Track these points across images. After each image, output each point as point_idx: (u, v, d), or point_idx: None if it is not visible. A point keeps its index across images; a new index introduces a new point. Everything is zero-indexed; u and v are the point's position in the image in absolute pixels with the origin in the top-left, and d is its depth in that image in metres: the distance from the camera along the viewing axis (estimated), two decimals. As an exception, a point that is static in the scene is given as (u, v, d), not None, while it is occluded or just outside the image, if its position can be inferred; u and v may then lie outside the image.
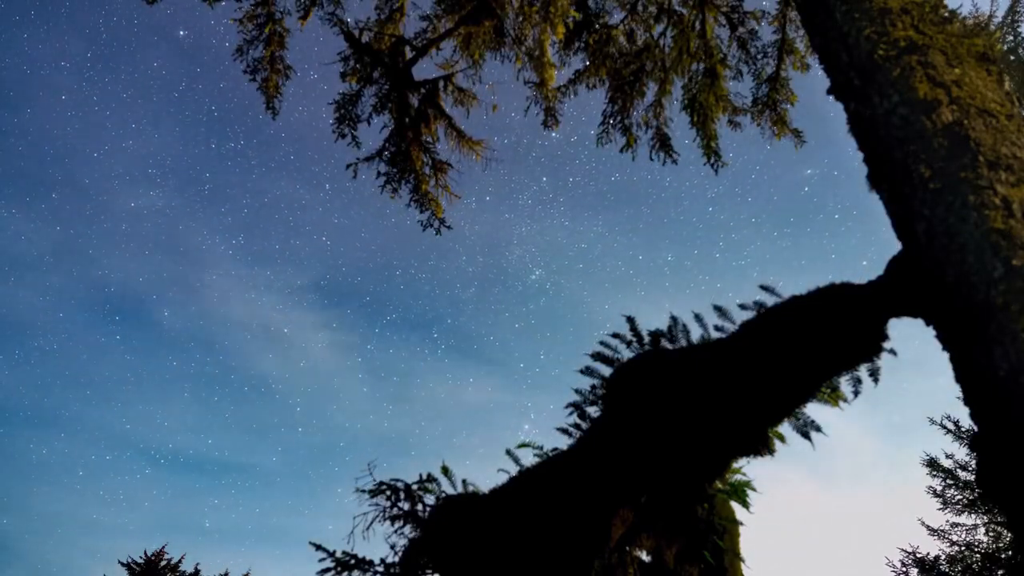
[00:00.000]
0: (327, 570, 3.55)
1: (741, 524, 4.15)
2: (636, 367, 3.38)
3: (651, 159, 7.58)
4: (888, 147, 2.19)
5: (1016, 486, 1.61)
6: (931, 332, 2.12)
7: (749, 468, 4.20)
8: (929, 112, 2.07)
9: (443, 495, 3.64)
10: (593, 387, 4.22)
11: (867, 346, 2.79)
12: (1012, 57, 10.68)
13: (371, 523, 3.61)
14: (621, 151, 7.59)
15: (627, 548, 3.64)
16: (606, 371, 4.15)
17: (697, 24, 6.94)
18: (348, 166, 7.05)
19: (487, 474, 3.86)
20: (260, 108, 6.97)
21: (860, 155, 2.47)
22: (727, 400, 2.95)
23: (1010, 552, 12.39)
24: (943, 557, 13.04)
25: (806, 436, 3.65)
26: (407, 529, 3.56)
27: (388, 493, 3.66)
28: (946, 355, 1.98)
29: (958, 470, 13.45)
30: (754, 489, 4.22)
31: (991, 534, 12.89)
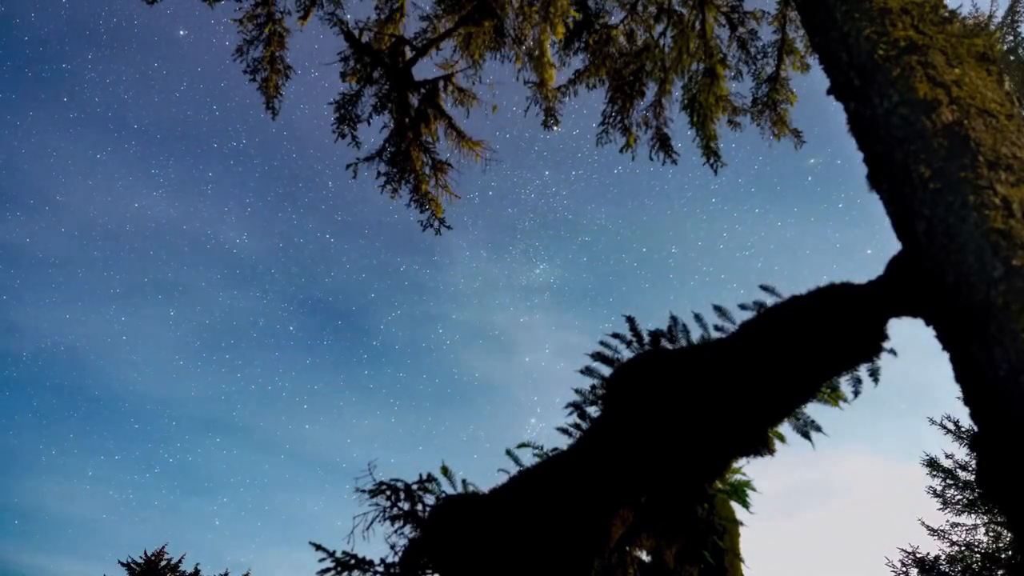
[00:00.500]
0: (327, 570, 3.55)
1: (741, 524, 4.15)
2: (636, 367, 3.38)
3: (651, 159, 7.58)
4: (888, 147, 2.19)
5: (1016, 486, 1.61)
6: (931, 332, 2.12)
7: (749, 468, 4.20)
8: (929, 112, 2.07)
9: (443, 495, 3.64)
10: (593, 387, 4.22)
11: (867, 346, 2.79)
12: (1012, 57, 10.68)
13: (371, 523, 3.61)
14: (621, 151, 7.59)
15: (627, 548, 3.64)
16: (606, 371, 4.15)
17: (697, 24, 6.94)
18: (348, 166, 7.05)
19: (491, 468, 3.86)
20: (261, 107, 6.97)
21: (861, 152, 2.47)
22: (727, 400, 2.95)
23: (1010, 552, 12.39)
24: (943, 557, 13.04)
25: (806, 436, 3.65)
26: (407, 529, 3.56)
27: (388, 493, 3.66)
28: (946, 355, 1.98)
29: (958, 470, 13.45)
30: (754, 489, 4.22)
31: (991, 534, 12.90)
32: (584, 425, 4.12)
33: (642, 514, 3.50)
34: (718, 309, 3.73)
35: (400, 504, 3.63)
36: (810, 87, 7.11)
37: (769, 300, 3.23)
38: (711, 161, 7.49)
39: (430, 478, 3.72)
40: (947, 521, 13.39)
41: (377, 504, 3.65)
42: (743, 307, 3.49)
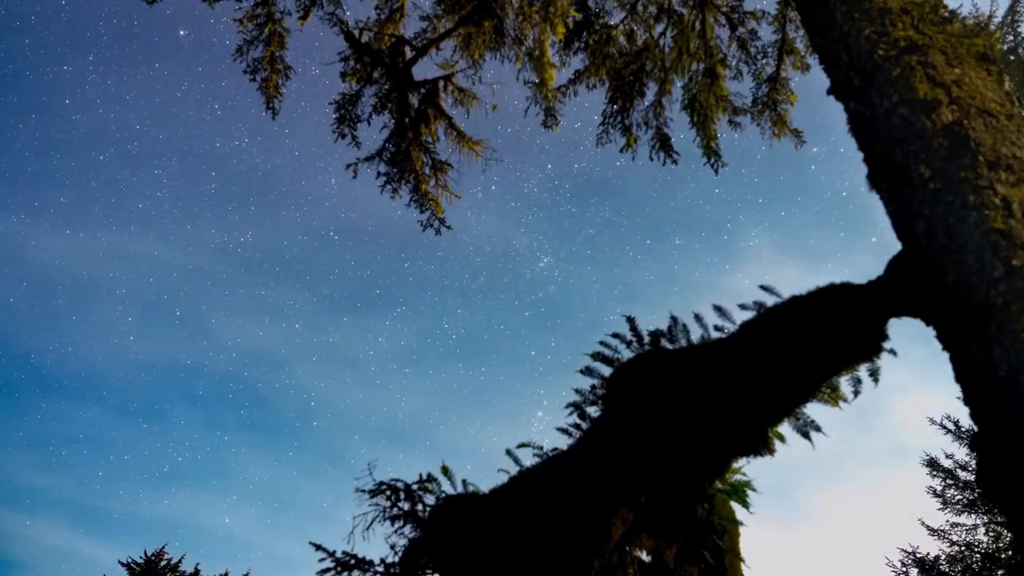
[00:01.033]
0: (327, 570, 3.55)
1: (741, 524, 4.16)
2: (636, 367, 3.38)
3: (651, 159, 7.58)
4: (888, 147, 2.19)
5: (1016, 486, 1.61)
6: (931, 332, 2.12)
7: (749, 468, 4.20)
8: (929, 112, 2.07)
9: (443, 495, 3.64)
10: (593, 387, 4.22)
11: (867, 346, 2.79)
12: (1012, 57, 10.68)
13: (371, 523, 3.61)
14: (621, 151, 7.59)
15: (627, 548, 3.64)
16: (606, 371, 4.15)
17: (697, 24, 6.95)
18: (348, 166, 7.06)
19: (499, 462, 3.86)
20: (262, 106, 6.97)
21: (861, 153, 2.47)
22: (727, 400, 2.95)
23: (1010, 552, 12.39)
24: (943, 557, 13.04)
25: (806, 436, 3.65)
26: (407, 529, 3.56)
27: (388, 493, 3.66)
28: (946, 355, 1.98)
29: (958, 470, 13.45)
30: (754, 489, 4.22)
31: (991, 534, 12.90)
32: (584, 425, 4.12)
33: (642, 514, 3.50)
34: (718, 309, 3.73)
35: (400, 504, 3.63)
36: (811, 78, 7.08)
37: (769, 300, 3.23)
38: (711, 161, 7.49)
39: (430, 478, 3.72)
40: (947, 521, 13.39)
41: (377, 504, 3.65)
42: (743, 307, 3.49)
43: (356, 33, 6.73)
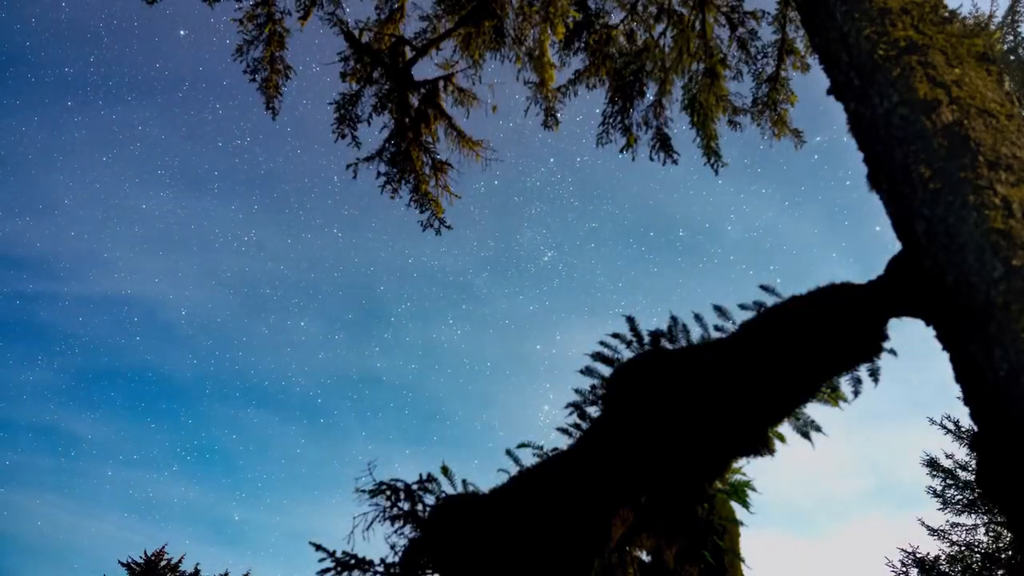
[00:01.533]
0: (327, 570, 3.55)
1: (741, 524, 4.16)
2: (636, 367, 3.38)
3: (651, 159, 7.58)
4: (888, 147, 2.19)
5: (1016, 486, 1.61)
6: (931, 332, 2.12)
7: (749, 468, 4.20)
8: (929, 112, 2.07)
9: (443, 495, 3.64)
10: (593, 387, 4.22)
11: (867, 346, 2.79)
12: (1012, 57, 10.68)
13: (371, 523, 3.61)
14: (621, 151, 7.59)
15: (627, 548, 3.64)
16: (606, 371, 4.15)
17: (697, 24, 6.95)
18: (348, 166, 7.06)
19: (502, 460, 3.85)
20: (263, 106, 6.97)
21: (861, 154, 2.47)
22: (727, 400, 2.95)
23: (1010, 552, 12.39)
24: (943, 557, 13.04)
25: (806, 436, 3.65)
26: (407, 529, 3.56)
27: (388, 493, 3.66)
28: (946, 355, 1.98)
29: (958, 470, 13.45)
30: (754, 489, 4.22)
31: (991, 534, 12.90)
32: (584, 425, 4.12)
33: (642, 514, 3.51)
34: (718, 309, 3.73)
35: (400, 504, 3.63)
36: (811, 77, 7.07)
37: (769, 300, 3.23)
38: (712, 161, 7.49)
39: (430, 478, 3.72)
40: (947, 521, 13.39)
41: (377, 504, 3.65)
42: (743, 307, 3.49)
43: (356, 33, 6.73)
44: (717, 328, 3.72)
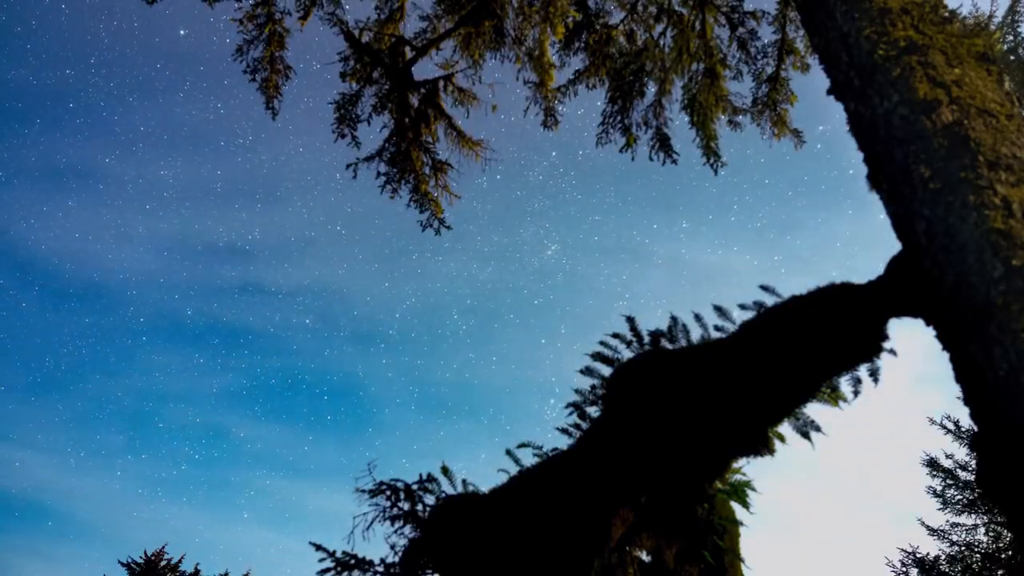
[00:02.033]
0: (327, 570, 3.55)
1: (741, 524, 4.16)
2: (636, 367, 3.38)
3: (651, 159, 7.58)
4: (888, 147, 2.19)
5: (1016, 486, 1.61)
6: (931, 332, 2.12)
7: (748, 468, 4.20)
8: (929, 112, 2.07)
9: (443, 495, 3.64)
10: (593, 387, 4.22)
11: (867, 346, 2.79)
12: (1012, 57, 10.68)
13: (371, 523, 3.61)
14: (621, 151, 7.59)
15: (627, 548, 3.64)
16: (606, 371, 4.15)
17: (697, 24, 6.95)
18: (348, 166, 7.06)
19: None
20: (264, 105, 6.97)
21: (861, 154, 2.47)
22: (727, 400, 2.95)
23: (1010, 552, 12.39)
24: (943, 557, 13.04)
25: (806, 436, 3.65)
26: (407, 529, 3.56)
27: (388, 493, 3.66)
28: (946, 355, 1.98)
29: (958, 470, 13.46)
30: (754, 489, 4.22)
31: (991, 534, 12.90)
32: (584, 425, 4.12)
33: (642, 514, 3.51)
34: (718, 309, 3.73)
35: (400, 504, 3.63)
36: (811, 75, 7.07)
37: (769, 300, 3.23)
38: (711, 161, 7.49)
39: (430, 478, 3.72)
40: (947, 521, 13.39)
41: (377, 504, 3.65)
42: (743, 307, 3.49)
43: (356, 33, 6.73)
44: (717, 328, 3.72)
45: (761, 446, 3.28)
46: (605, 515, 3.18)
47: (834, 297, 2.76)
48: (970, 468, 13.26)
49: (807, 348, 2.79)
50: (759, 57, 7.13)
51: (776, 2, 6.94)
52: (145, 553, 18.20)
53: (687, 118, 7.38)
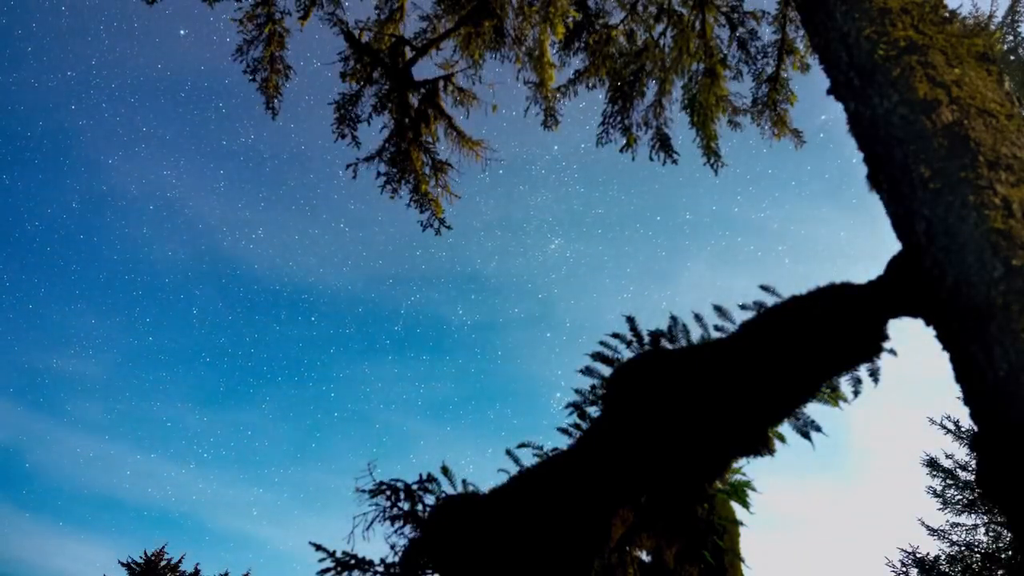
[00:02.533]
0: (327, 570, 3.55)
1: (741, 524, 4.16)
2: (636, 367, 3.38)
3: (651, 159, 7.58)
4: (888, 147, 2.19)
5: (1016, 486, 1.60)
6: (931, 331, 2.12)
7: (748, 468, 4.20)
8: (929, 112, 2.07)
9: (443, 495, 3.64)
10: (593, 387, 4.22)
11: (867, 346, 2.79)
12: (1012, 57, 10.68)
13: (371, 523, 3.61)
14: (621, 151, 7.59)
15: (627, 548, 3.64)
16: (606, 371, 4.15)
17: (697, 24, 6.94)
18: (348, 166, 7.05)
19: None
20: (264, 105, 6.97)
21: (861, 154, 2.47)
22: (727, 400, 2.95)
23: (1010, 552, 12.39)
24: (943, 557, 13.04)
25: (806, 436, 3.65)
26: (407, 529, 3.56)
27: (388, 493, 3.66)
28: (946, 355, 1.98)
29: (958, 470, 13.45)
30: (754, 489, 4.22)
31: (991, 534, 12.89)
32: (584, 425, 4.12)
33: (642, 514, 3.50)
34: (718, 309, 3.73)
35: (400, 504, 3.63)
36: (813, 70, 7.07)
37: (769, 300, 3.23)
38: (711, 161, 7.49)
39: (430, 478, 3.72)
40: (947, 521, 13.39)
41: (377, 504, 3.65)
42: (743, 307, 3.49)
43: (356, 33, 6.73)
44: (717, 328, 3.72)
45: (761, 446, 3.27)
46: (605, 515, 3.18)
47: (834, 297, 2.76)
48: (970, 468, 13.26)
49: (807, 348, 2.79)
50: (759, 57, 7.13)
51: (776, 2, 6.94)
52: (145, 553, 18.19)
53: (687, 118, 7.38)
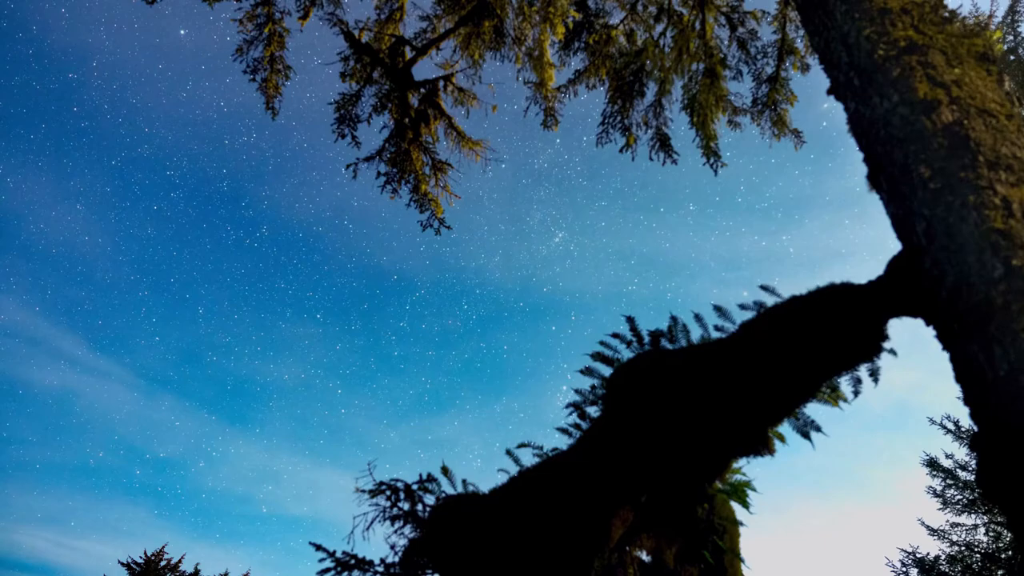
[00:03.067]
0: (327, 570, 3.55)
1: (741, 524, 4.16)
2: (636, 367, 3.38)
3: (651, 159, 7.58)
4: (888, 147, 2.19)
5: (1016, 486, 1.60)
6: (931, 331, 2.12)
7: (748, 468, 4.20)
8: (929, 112, 2.07)
9: (443, 495, 3.64)
10: (593, 387, 4.22)
11: (867, 346, 2.79)
12: (1012, 57, 10.68)
13: (371, 523, 3.61)
14: (621, 151, 7.59)
15: (627, 548, 3.64)
16: (606, 371, 4.15)
17: (697, 24, 6.94)
18: (348, 166, 7.06)
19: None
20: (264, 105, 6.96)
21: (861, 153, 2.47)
22: (727, 400, 2.95)
23: (1010, 552, 12.39)
24: (943, 557, 13.04)
25: (806, 436, 3.65)
26: (407, 529, 3.56)
27: (388, 493, 3.66)
28: (946, 355, 1.98)
29: (958, 470, 13.45)
30: (754, 489, 4.22)
31: (991, 534, 12.90)
32: (584, 425, 4.12)
33: (642, 514, 3.50)
34: (718, 309, 3.73)
35: (400, 504, 3.63)
36: (813, 70, 7.06)
37: (769, 300, 3.23)
38: (711, 161, 7.49)
39: (430, 478, 3.72)
40: (947, 521, 13.39)
41: (377, 504, 3.65)
42: (743, 307, 3.49)
43: (356, 33, 6.73)
44: (717, 328, 3.73)
45: (761, 446, 3.27)
46: (605, 515, 3.18)
47: (834, 297, 2.76)
48: (970, 468, 13.26)
49: (807, 348, 2.79)
50: (759, 57, 7.13)
51: (776, 2, 6.94)
52: (145, 553, 18.19)
53: (687, 118, 7.38)
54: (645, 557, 3.76)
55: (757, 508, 4.21)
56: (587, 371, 4.24)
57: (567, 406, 4.26)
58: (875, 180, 2.35)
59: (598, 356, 4.22)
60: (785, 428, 3.59)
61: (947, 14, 2.44)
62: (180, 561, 18.52)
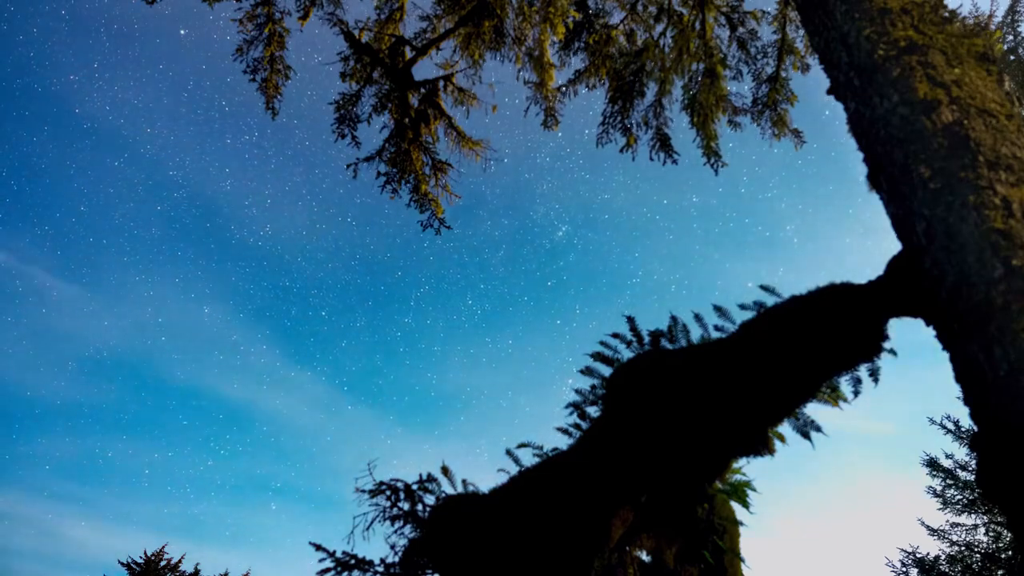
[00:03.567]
0: (327, 570, 3.55)
1: (741, 524, 4.16)
2: (636, 367, 3.37)
3: (651, 159, 7.58)
4: (888, 147, 2.19)
5: (1016, 486, 1.60)
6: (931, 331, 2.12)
7: (748, 468, 4.20)
8: (929, 112, 2.07)
9: (443, 495, 3.64)
10: (593, 387, 4.22)
11: (867, 346, 2.79)
12: (1012, 57, 10.68)
13: (371, 523, 3.61)
14: (621, 151, 7.59)
15: (627, 548, 3.64)
16: (606, 371, 4.15)
17: (697, 24, 6.94)
18: (348, 166, 7.06)
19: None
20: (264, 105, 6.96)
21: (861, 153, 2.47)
22: (727, 400, 2.95)
23: (1010, 552, 12.39)
24: (943, 557, 13.04)
25: (806, 436, 3.65)
26: (407, 529, 3.56)
27: (388, 493, 3.66)
28: (946, 355, 1.98)
29: (958, 470, 13.45)
30: (754, 489, 4.22)
31: (991, 534, 12.89)
32: (584, 425, 4.12)
33: (642, 514, 3.50)
34: (718, 309, 3.73)
35: (400, 504, 3.63)
36: (813, 70, 7.06)
37: (769, 300, 3.23)
38: (711, 161, 7.49)
39: (430, 478, 3.72)
40: (947, 521, 13.39)
41: (377, 504, 3.65)
42: (743, 307, 3.49)
43: (356, 33, 6.73)
44: (717, 328, 3.73)
45: (761, 446, 3.27)
46: (605, 515, 3.18)
47: (834, 297, 2.76)
48: (970, 468, 13.26)
49: (807, 348, 2.79)
50: (759, 57, 7.13)
51: (776, 2, 6.94)
52: (145, 553, 18.18)
53: (687, 118, 7.38)
54: (645, 557, 3.76)
55: (757, 508, 4.21)
56: (587, 371, 4.24)
57: (567, 406, 4.26)
58: (875, 180, 2.35)
59: (598, 356, 4.22)
60: (785, 428, 3.59)
61: (947, 14, 2.44)
62: (180, 561, 18.52)
